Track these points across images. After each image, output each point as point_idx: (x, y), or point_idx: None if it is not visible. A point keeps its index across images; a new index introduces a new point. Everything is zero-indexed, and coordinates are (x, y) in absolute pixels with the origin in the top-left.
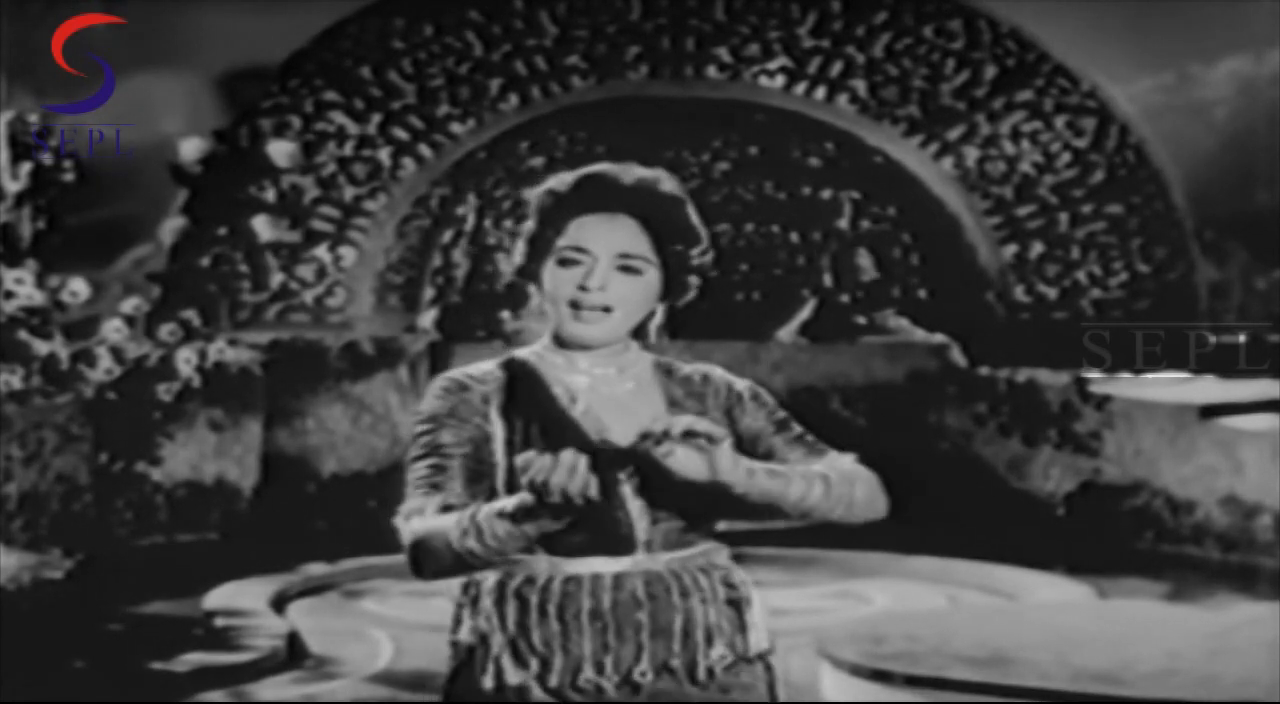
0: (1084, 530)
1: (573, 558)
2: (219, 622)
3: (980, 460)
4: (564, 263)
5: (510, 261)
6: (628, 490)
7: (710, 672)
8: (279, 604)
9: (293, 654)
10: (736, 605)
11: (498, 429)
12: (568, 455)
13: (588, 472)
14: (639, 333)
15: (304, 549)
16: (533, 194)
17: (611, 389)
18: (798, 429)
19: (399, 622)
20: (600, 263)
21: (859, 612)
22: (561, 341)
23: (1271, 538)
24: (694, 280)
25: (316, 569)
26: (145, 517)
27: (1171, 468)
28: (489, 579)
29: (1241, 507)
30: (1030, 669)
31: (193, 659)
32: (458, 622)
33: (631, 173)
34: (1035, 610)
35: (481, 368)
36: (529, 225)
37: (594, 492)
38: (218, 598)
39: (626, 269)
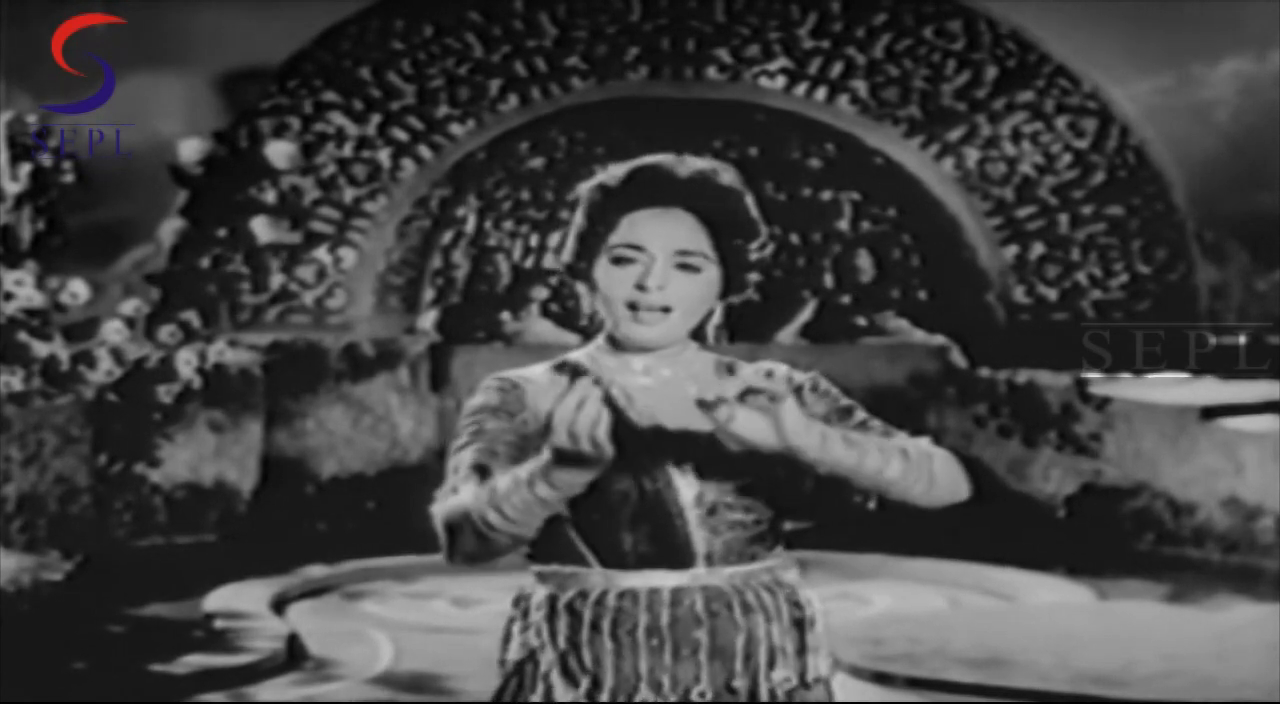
0: (1084, 532)
1: (629, 571)
2: (219, 623)
3: (980, 462)
4: (619, 261)
5: (558, 259)
6: (687, 498)
7: (772, 694)
8: (279, 606)
9: (292, 656)
10: (800, 626)
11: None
12: (581, 385)
13: (600, 405)
14: (697, 333)
15: (304, 551)
16: (582, 188)
17: (669, 391)
18: (863, 415)
19: (399, 624)
20: (658, 261)
21: (859, 613)
22: (616, 343)
23: (1272, 540)
24: (753, 276)
25: (316, 571)
26: (144, 518)
27: (1172, 469)
28: (539, 592)
29: (1242, 508)
30: (1030, 671)
31: (192, 661)
32: (507, 638)
33: (688, 165)
34: (1035, 612)
35: (533, 369)
36: (578, 221)
37: (603, 431)
38: (217, 600)
39: (685, 267)
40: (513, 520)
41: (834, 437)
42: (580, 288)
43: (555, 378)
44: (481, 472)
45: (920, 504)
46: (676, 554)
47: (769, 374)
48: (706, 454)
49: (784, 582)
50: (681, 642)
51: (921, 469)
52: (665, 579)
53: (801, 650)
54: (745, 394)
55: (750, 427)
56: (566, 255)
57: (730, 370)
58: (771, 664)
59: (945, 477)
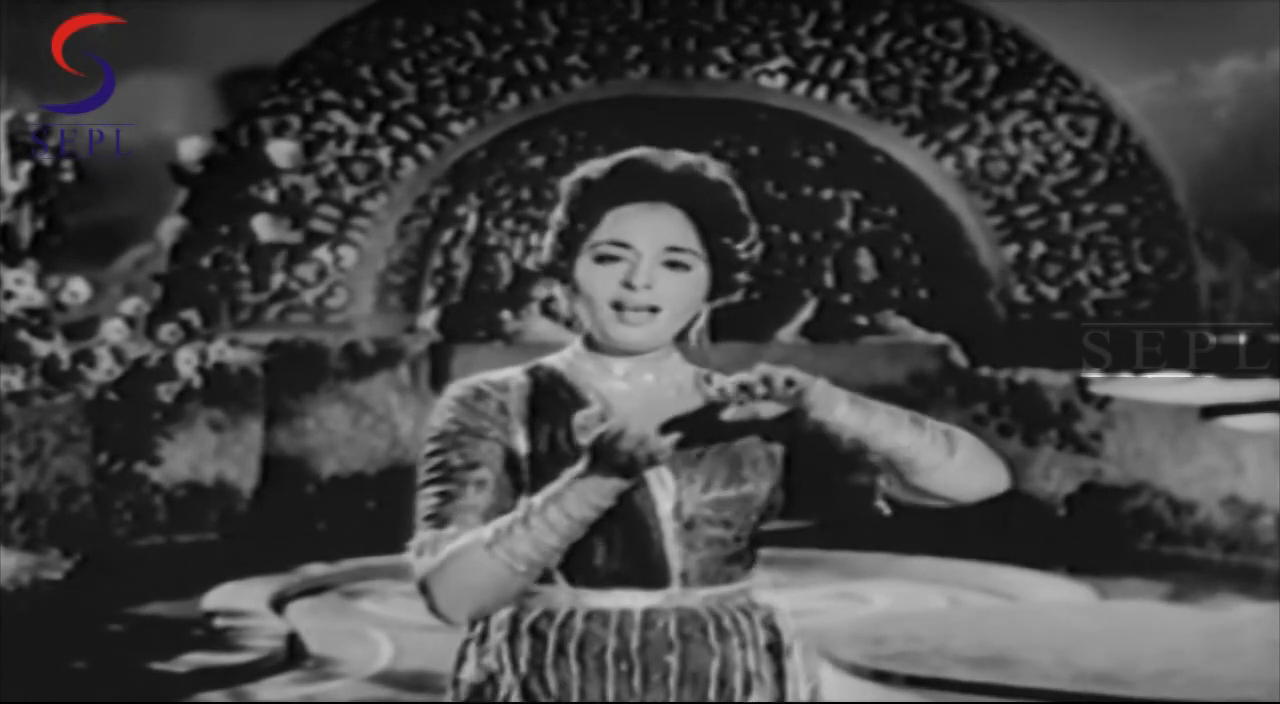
0: (1085, 531)
1: (598, 590)
2: (218, 622)
3: None
4: (603, 259)
5: (536, 258)
6: (664, 509)
7: None
8: (278, 605)
9: (292, 655)
10: (775, 652)
11: (521, 442)
12: (635, 427)
13: (658, 435)
14: (680, 338)
15: (303, 550)
16: (563, 183)
17: (650, 396)
18: None
19: (398, 622)
20: (645, 258)
21: (859, 612)
22: (595, 346)
23: (1273, 539)
24: (742, 277)
25: (316, 570)
26: (144, 517)
27: (1172, 469)
28: (500, 613)
29: (1243, 507)
30: (1031, 670)
31: (192, 660)
32: (462, 659)
33: (674, 158)
34: (1036, 611)
35: (503, 374)
36: (558, 218)
37: (663, 457)
38: (217, 598)
39: (674, 264)
40: (550, 546)
41: (838, 395)
42: (559, 289)
43: (527, 381)
44: (449, 521)
45: (945, 488)
46: (650, 572)
47: None
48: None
49: (760, 604)
50: (651, 666)
51: (938, 438)
52: (637, 600)
53: (779, 676)
54: (765, 383)
55: (770, 410)
56: (545, 254)
57: (709, 381)
58: (748, 690)
59: (969, 454)
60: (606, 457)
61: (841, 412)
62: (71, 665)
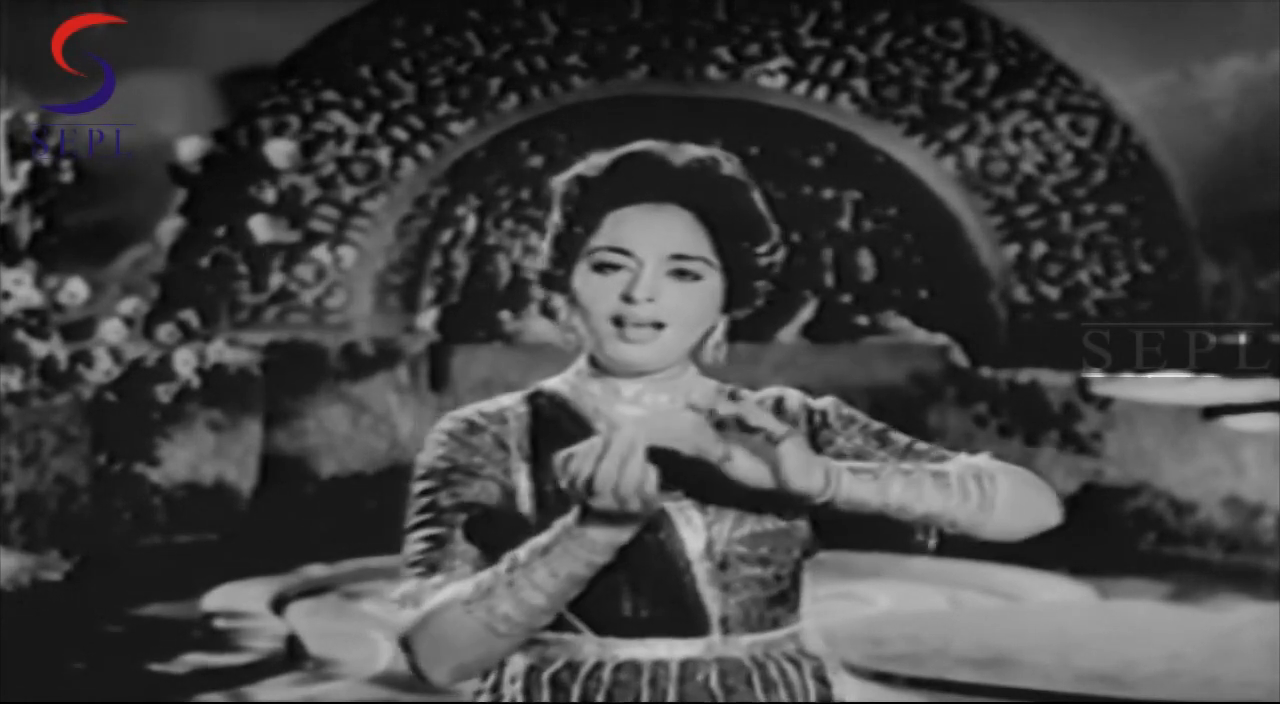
0: (1086, 532)
1: (628, 639)
2: (218, 623)
3: None
4: (600, 268)
5: (534, 266)
6: (695, 549)
7: None
8: (278, 605)
9: (292, 656)
10: None
11: (523, 479)
12: (621, 440)
13: (645, 462)
14: (695, 352)
15: (303, 550)
16: (555, 181)
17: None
18: (903, 439)
19: (398, 623)
20: (647, 267)
21: (860, 613)
22: (600, 366)
23: (1274, 539)
24: (763, 285)
25: (316, 571)
26: (144, 518)
27: (1173, 469)
28: (516, 663)
29: (1244, 507)
30: (1032, 671)
31: (192, 660)
32: None
33: (682, 152)
34: (1037, 612)
35: (500, 403)
36: (554, 221)
37: (651, 488)
38: (217, 599)
39: (681, 274)
40: (535, 607)
41: (843, 473)
42: (559, 300)
43: (526, 410)
44: (436, 569)
45: (986, 535)
46: (686, 619)
47: (778, 402)
48: (707, 479)
49: (809, 654)
50: None
51: (969, 492)
52: (674, 649)
53: None
54: (741, 427)
55: (747, 470)
56: (542, 262)
57: (734, 399)
58: None
59: (1011, 497)
60: (586, 504)
61: (846, 488)
62: (71, 666)
